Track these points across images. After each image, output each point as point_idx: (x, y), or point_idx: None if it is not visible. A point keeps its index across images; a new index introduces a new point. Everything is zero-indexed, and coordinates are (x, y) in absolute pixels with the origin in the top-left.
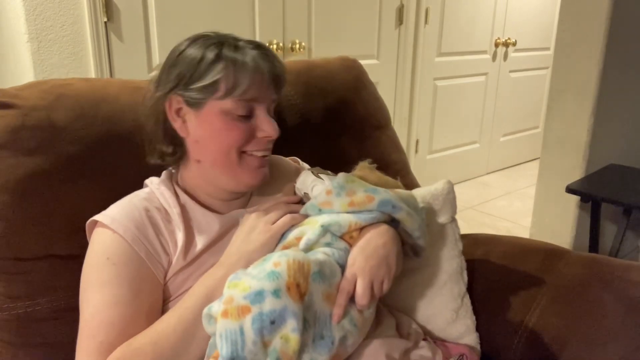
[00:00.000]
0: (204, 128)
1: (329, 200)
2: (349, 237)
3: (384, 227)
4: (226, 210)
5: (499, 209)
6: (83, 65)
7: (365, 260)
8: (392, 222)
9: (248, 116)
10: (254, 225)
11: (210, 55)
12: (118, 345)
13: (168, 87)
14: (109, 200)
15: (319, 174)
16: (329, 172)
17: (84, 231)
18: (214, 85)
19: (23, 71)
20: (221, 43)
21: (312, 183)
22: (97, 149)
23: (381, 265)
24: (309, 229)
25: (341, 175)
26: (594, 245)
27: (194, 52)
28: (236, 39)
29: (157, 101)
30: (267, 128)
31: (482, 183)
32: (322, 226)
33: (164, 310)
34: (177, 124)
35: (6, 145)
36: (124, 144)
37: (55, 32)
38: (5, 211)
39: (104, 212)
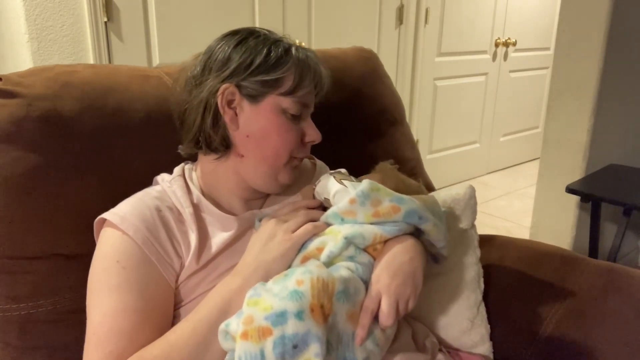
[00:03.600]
0: (258, 123)
1: (353, 209)
2: (372, 250)
3: (410, 242)
4: (242, 210)
5: (499, 209)
6: None
7: (391, 277)
8: (417, 231)
9: (298, 118)
10: (273, 233)
11: (279, 50)
12: (128, 354)
13: (223, 75)
14: (117, 196)
15: (342, 180)
16: (352, 177)
17: (91, 229)
18: (279, 81)
19: None
20: (285, 42)
21: (334, 189)
22: (105, 141)
23: (407, 283)
24: (331, 240)
25: (365, 182)
26: (594, 246)
27: (256, 44)
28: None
29: (208, 89)
30: (313, 133)
31: (482, 183)
32: (345, 238)
33: (174, 315)
34: (227, 116)
35: (9, 137)
36: (133, 136)
37: (55, 32)
38: (8, 208)
39: (113, 210)
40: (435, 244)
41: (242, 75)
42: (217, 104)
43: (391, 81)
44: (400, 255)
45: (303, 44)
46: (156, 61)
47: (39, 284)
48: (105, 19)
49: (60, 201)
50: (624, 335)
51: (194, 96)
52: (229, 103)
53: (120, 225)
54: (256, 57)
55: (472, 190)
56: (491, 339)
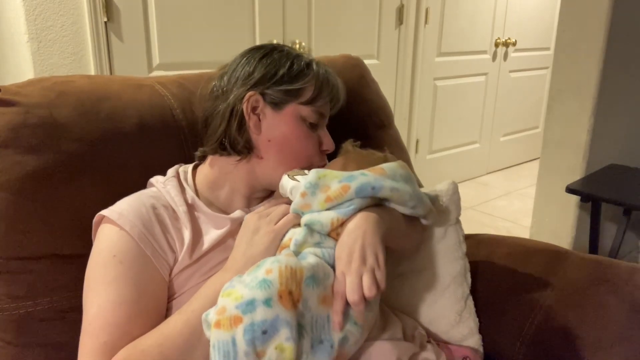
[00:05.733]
0: (280, 128)
1: (307, 202)
2: (336, 235)
3: (361, 216)
4: (240, 207)
5: (499, 209)
6: (83, 65)
7: (349, 256)
8: (383, 201)
9: (315, 127)
10: (257, 227)
11: (301, 63)
12: (122, 345)
13: (249, 84)
14: (111, 198)
15: (295, 176)
16: (305, 171)
17: (87, 230)
18: (300, 91)
19: (23, 71)
20: (306, 56)
21: (289, 187)
22: (99, 146)
23: (366, 255)
24: (297, 229)
25: (312, 172)
26: (594, 246)
27: (280, 57)
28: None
29: (234, 96)
30: (328, 141)
31: (482, 183)
32: (305, 225)
33: (167, 307)
34: (251, 122)
35: (7, 143)
36: (126, 141)
37: (55, 32)
38: (7, 210)
39: (111, 208)
40: (404, 206)
41: (267, 84)
42: (242, 110)
43: (378, 86)
44: (353, 233)
45: (303, 44)
46: (156, 61)
47: (37, 283)
48: (105, 19)
49: (56, 203)
50: (610, 325)
51: (221, 102)
52: (254, 109)
53: (117, 221)
54: (280, 69)
55: (455, 186)
56: (480, 332)
